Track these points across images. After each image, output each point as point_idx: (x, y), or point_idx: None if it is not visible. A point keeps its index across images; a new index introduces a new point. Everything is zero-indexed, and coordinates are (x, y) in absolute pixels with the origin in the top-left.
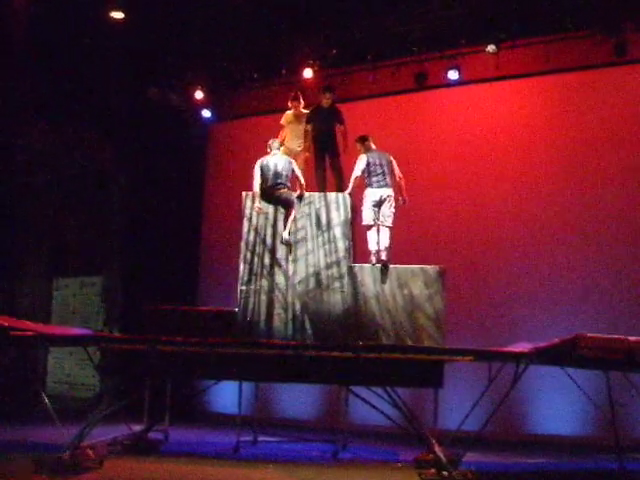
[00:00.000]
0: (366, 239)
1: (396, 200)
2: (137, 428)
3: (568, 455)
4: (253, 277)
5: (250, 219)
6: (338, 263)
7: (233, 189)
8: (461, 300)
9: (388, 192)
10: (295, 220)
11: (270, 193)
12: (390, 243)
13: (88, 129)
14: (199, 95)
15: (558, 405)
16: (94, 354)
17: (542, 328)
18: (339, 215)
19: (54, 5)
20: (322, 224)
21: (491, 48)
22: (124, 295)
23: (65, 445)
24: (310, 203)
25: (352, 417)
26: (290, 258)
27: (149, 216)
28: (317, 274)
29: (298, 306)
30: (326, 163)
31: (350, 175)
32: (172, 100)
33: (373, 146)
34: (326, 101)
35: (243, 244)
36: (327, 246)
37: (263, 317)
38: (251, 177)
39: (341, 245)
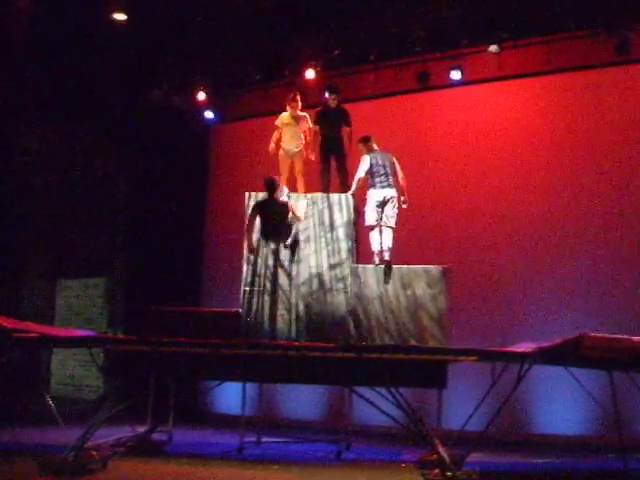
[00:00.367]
0: (369, 240)
1: (399, 201)
2: (141, 429)
3: (572, 455)
4: (256, 278)
5: None
6: (341, 264)
7: (236, 190)
8: (464, 300)
9: (391, 193)
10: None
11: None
12: (393, 244)
13: (89, 130)
14: (201, 96)
15: (562, 405)
16: (98, 355)
17: (545, 328)
18: (342, 216)
19: (55, 5)
20: (325, 225)
21: (494, 48)
22: (127, 296)
23: (69, 446)
24: (313, 204)
25: (356, 418)
26: (293, 259)
27: (152, 217)
28: (320, 275)
29: (302, 307)
30: (332, 165)
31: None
32: (174, 101)
33: (376, 147)
34: (332, 102)
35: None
36: (330, 247)
37: (266, 318)
38: (253, 179)
39: (344, 246)
